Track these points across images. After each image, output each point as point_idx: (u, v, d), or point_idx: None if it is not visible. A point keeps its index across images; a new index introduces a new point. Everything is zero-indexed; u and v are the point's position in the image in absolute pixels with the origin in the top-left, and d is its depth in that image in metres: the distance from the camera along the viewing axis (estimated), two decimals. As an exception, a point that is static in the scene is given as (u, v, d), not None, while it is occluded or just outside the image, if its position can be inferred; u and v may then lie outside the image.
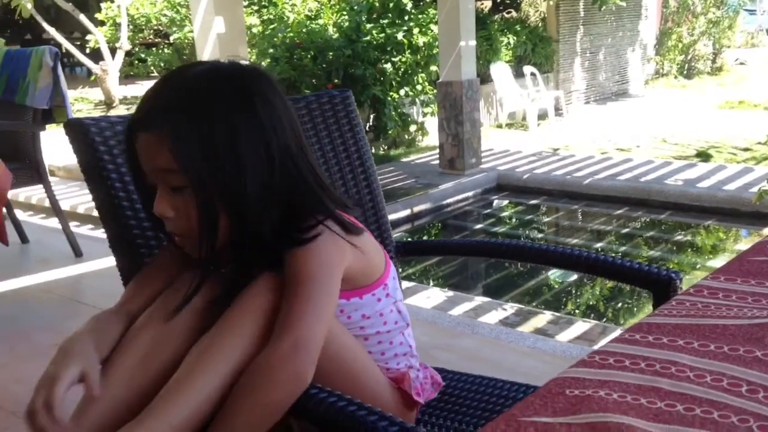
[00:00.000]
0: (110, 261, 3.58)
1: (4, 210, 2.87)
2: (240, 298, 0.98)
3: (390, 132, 7.55)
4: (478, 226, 5.69)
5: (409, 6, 7.93)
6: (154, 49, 11.02)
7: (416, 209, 5.59)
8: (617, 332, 1.15)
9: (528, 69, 9.49)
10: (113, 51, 9.58)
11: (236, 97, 0.96)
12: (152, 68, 10.80)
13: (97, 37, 9.56)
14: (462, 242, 2.29)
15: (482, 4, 10.98)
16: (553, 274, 4.57)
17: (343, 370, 1.03)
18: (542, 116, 9.37)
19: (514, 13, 10.88)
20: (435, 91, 6.98)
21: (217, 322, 0.97)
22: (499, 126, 9.32)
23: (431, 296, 3.45)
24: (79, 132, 1.16)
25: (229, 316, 0.97)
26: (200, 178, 0.94)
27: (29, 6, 8.60)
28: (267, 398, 0.89)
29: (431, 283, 4.28)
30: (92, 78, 10.39)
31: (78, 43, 10.15)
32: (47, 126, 3.53)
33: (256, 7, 9.73)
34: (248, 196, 0.96)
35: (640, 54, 12.85)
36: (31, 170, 3.45)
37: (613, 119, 9.76)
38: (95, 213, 4.39)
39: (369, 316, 1.12)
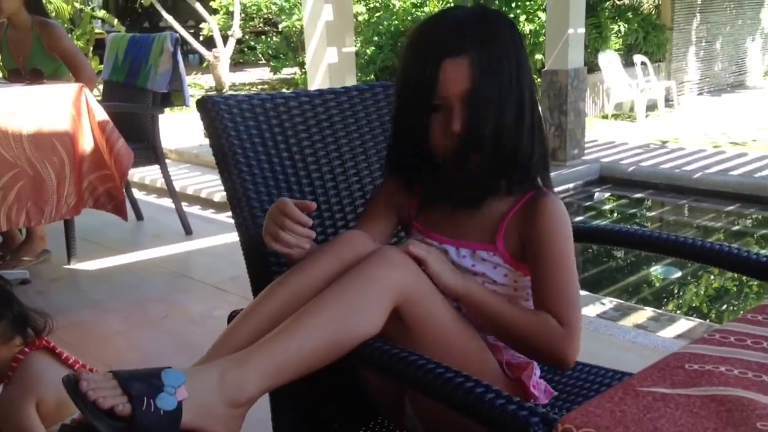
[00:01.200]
0: (217, 240, 3.76)
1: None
2: (370, 259, 1.04)
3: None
4: (578, 218, 5.56)
5: (516, -7, 7.81)
6: (263, 36, 11.35)
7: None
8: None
9: (638, 58, 9.13)
10: (225, 39, 9.94)
11: (518, 35, 1.13)
12: (260, 55, 11.12)
13: (211, 25, 9.94)
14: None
15: (592, -10, 10.64)
16: (655, 270, 4.41)
17: (448, 346, 1.05)
18: (651, 107, 9.01)
19: (626, 0, 10.49)
20: (539, 79, 6.86)
21: (344, 276, 1.02)
22: (605, 117, 9.04)
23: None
24: (210, 109, 1.22)
25: (341, 280, 1.01)
26: (492, 101, 1.08)
27: (149, -6, 9.05)
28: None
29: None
30: (204, 65, 10.83)
31: (192, 31, 10.58)
32: (162, 113, 3.72)
33: (362, -5, 9.84)
34: (520, 125, 1.10)
35: (760, 44, 12.11)
36: (149, 151, 3.65)
37: (728, 112, 9.26)
38: (203, 194, 4.60)
39: (526, 297, 1.16)
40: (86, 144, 2.82)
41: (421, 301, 1.04)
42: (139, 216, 4.10)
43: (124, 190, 2.94)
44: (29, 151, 2.63)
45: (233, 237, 3.70)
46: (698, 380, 0.53)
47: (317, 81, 5.30)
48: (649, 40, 9.70)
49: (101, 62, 4.84)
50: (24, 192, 2.62)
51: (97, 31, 9.42)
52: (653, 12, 10.24)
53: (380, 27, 8.30)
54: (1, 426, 1.46)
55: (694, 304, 3.92)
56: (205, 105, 1.23)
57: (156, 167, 3.81)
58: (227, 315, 1.15)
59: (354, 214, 1.41)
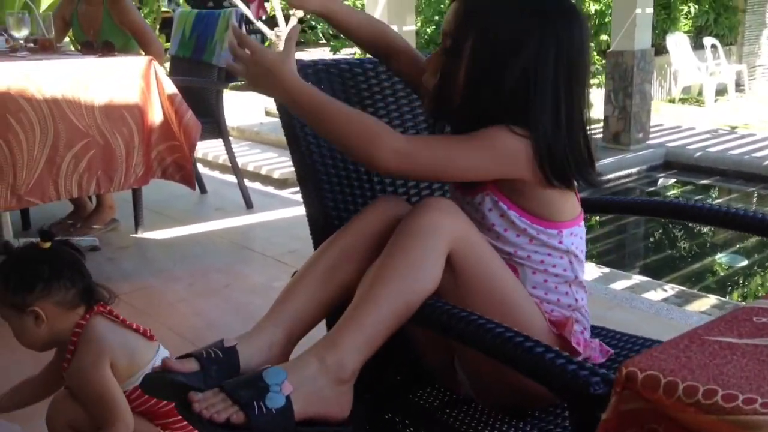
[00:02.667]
0: (277, 214, 3.82)
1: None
2: (410, 216, 1.06)
3: (552, 103, 7.34)
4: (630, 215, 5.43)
5: (582, -28, 7.64)
6: (323, 17, 11.42)
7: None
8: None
9: (708, 40, 8.83)
10: (287, 18, 10.01)
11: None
12: (321, 35, 11.19)
13: (273, 4, 10.03)
14: (640, 201, 2.14)
15: (661, -30, 10.30)
16: (720, 257, 4.30)
17: (496, 295, 1.07)
18: (721, 92, 8.71)
19: (696, -19, 10.13)
20: (603, 61, 6.71)
21: (390, 241, 1.05)
22: (672, 101, 8.79)
23: (585, 271, 3.35)
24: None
25: (399, 237, 1.04)
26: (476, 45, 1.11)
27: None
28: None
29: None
30: (266, 43, 10.95)
31: (255, 10, 10.70)
32: (226, 87, 3.79)
33: (424, -25, 9.77)
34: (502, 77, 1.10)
35: (841, 26, 11.54)
36: (214, 125, 3.72)
37: (804, 98, 8.89)
38: (263, 171, 4.69)
39: (546, 249, 1.15)
40: (155, 116, 2.90)
41: (471, 248, 1.06)
42: (202, 189, 4.20)
43: (192, 160, 3.01)
44: (100, 121, 2.72)
45: (293, 212, 3.80)
46: (767, 332, 0.53)
47: (378, 59, 5.30)
48: (720, 23, 9.37)
49: (167, 40, 4.95)
50: (95, 161, 2.72)
51: (163, 9, 9.62)
52: (726, -7, 9.87)
53: (441, 6, 8.24)
54: (78, 393, 1.49)
55: (760, 294, 3.80)
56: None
57: (219, 143, 3.89)
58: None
59: (431, 185, 1.42)
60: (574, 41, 1.12)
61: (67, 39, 4.19)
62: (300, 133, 1.27)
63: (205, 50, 3.81)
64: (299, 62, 1.27)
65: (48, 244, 1.51)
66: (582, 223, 1.20)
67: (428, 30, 8.51)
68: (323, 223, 1.26)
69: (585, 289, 1.22)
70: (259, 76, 1.11)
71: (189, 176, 3.00)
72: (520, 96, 1.09)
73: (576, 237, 1.17)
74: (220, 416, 0.90)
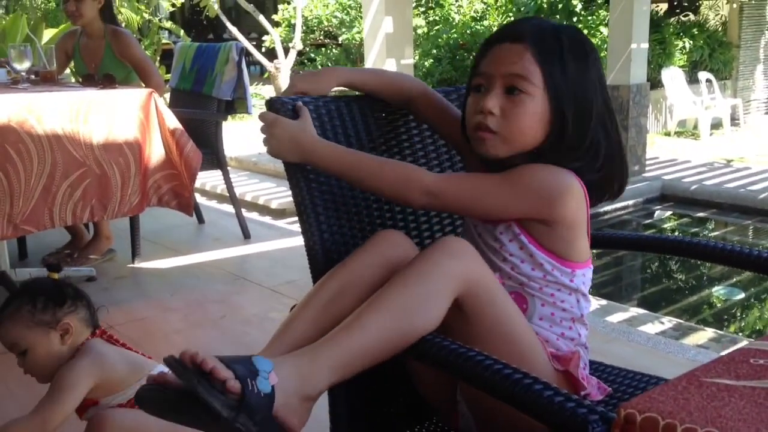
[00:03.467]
0: (275, 244, 3.83)
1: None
2: (421, 255, 1.06)
3: (549, 136, 7.39)
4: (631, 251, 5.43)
5: (579, 7, 7.74)
6: (323, 49, 11.53)
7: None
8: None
9: (703, 75, 8.94)
10: (286, 51, 10.12)
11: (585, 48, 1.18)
12: (320, 67, 11.29)
13: (273, 36, 10.15)
14: (651, 238, 2.14)
15: (657, 6, 10.46)
16: (717, 291, 4.29)
17: (506, 337, 1.06)
18: (716, 125, 8.79)
19: (692, 17, 10.27)
20: (599, 95, 6.75)
21: (394, 276, 1.04)
22: (667, 134, 8.85)
23: (585, 304, 3.34)
24: (279, 109, 1.26)
25: (404, 273, 1.04)
26: (553, 87, 1.13)
27: (216, 6, 9.29)
28: None
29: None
30: (265, 75, 11.04)
31: (254, 42, 10.81)
32: (226, 119, 3.81)
33: (423, 9, 9.90)
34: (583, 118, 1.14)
35: (834, 62, 11.69)
36: (213, 156, 3.75)
37: (798, 132, 8.96)
38: (261, 201, 4.70)
39: (557, 285, 1.17)
40: (153, 147, 2.92)
41: (482, 291, 1.05)
42: (200, 219, 4.21)
43: (193, 189, 3.02)
44: (97, 152, 2.74)
45: (290, 242, 3.80)
46: (764, 374, 0.53)
47: (376, 92, 5.35)
48: (715, 57, 9.48)
49: (168, 71, 5.00)
50: (90, 190, 2.73)
51: (164, 41, 9.72)
52: (719, 29, 10.01)
53: (439, 40, 8.33)
54: (46, 379, 1.52)
55: (758, 327, 3.79)
56: (273, 105, 1.26)
57: (217, 174, 3.91)
58: (282, 319, 1.18)
59: (429, 216, 1.43)
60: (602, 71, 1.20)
61: (68, 71, 4.24)
62: (298, 165, 1.27)
63: (205, 83, 3.85)
64: (300, 99, 1.29)
65: (56, 276, 1.58)
66: (591, 265, 1.22)
67: (426, 63, 8.60)
68: (322, 255, 1.26)
69: (587, 327, 1.23)
70: (282, 145, 1.20)
71: (187, 203, 3.01)
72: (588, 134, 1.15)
73: (586, 278, 1.20)
74: (220, 373, 0.90)
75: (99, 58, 3.49)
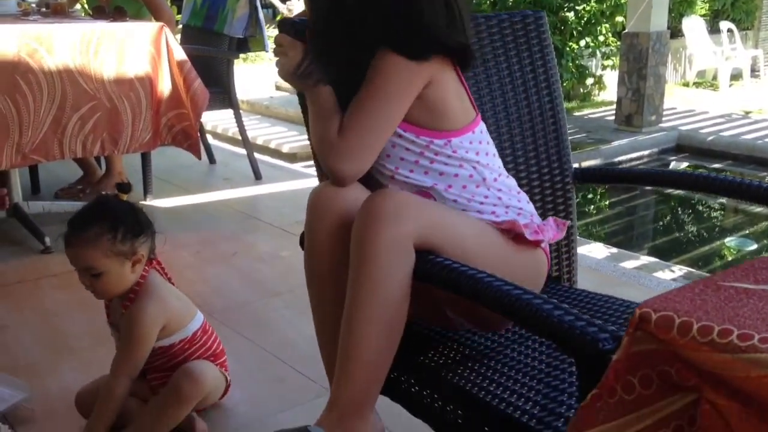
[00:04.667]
0: (285, 186, 3.82)
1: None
2: (362, 241, 1.05)
3: (565, 84, 7.29)
4: (650, 186, 5.41)
5: (599, -48, 7.53)
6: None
7: (584, 164, 5.40)
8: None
9: (725, 25, 8.73)
10: (299, -7, 9.95)
11: None
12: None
13: (285, -21, 9.96)
14: (646, 171, 2.08)
15: (679, -48, 10.15)
16: (729, 241, 4.27)
17: (480, 255, 1.10)
18: (735, 76, 8.62)
19: (715, -36, 9.99)
20: (618, 42, 6.63)
21: (349, 285, 1.07)
22: (686, 84, 8.71)
23: (593, 251, 3.34)
24: (290, 30, 1.23)
25: (356, 274, 1.06)
26: None
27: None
28: None
29: (593, 241, 4.15)
30: (277, 18, 10.88)
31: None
32: (238, 59, 3.75)
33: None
34: None
35: None
36: (224, 95, 3.71)
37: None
38: (272, 144, 4.66)
39: (443, 160, 1.20)
40: (164, 83, 2.89)
41: (433, 231, 1.06)
42: (211, 159, 4.20)
43: (198, 129, 3.00)
44: (108, 85, 2.72)
45: (301, 184, 3.79)
46: (783, 279, 0.52)
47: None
48: (738, 7, 9.25)
49: (180, 12, 4.92)
50: (100, 123, 2.72)
51: (176, -20, 9.56)
52: (744, -23, 9.74)
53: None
54: (122, 330, 1.57)
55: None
56: (284, 27, 1.24)
57: (229, 115, 3.88)
58: (292, 256, 1.19)
59: None
60: None
61: (78, 6, 4.18)
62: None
63: (217, 19, 3.78)
64: (297, 18, 1.27)
65: (126, 197, 1.60)
66: (475, 130, 1.24)
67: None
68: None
69: (500, 187, 1.25)
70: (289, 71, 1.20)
71: (195, 144, 2.99)
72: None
73: (471, 145, 1.22)
74: None
75: (110, -8, 3.43)
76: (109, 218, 1.52)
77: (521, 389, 1.07)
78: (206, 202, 3.52)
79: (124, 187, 1.61)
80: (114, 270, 1.52)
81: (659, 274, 3.01)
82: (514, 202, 1.25)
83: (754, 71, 9.03)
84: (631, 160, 5.73)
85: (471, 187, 1.21)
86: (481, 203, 1.21)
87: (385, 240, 1.02)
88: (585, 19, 7.31)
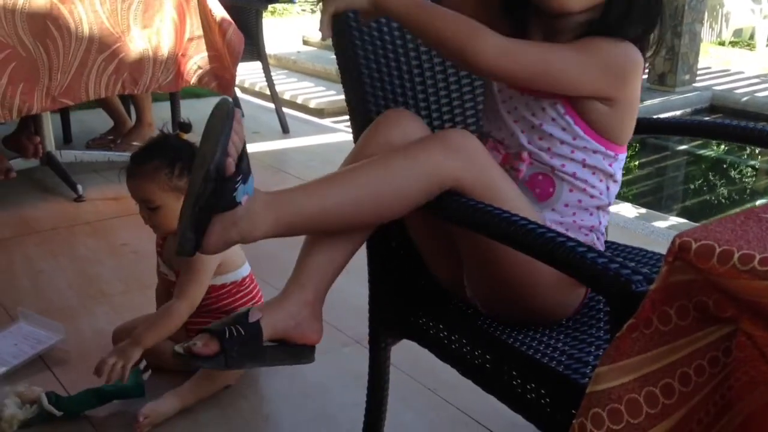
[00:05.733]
0: (313, 140, 3.82)
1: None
2: (416, 143, 1.06)
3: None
4: (682, 147, 5.32)
5: None
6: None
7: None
8: None
9: (765, -19, 8.44)
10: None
11: None
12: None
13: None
14: (685, 121, 2.05)
15: None
16: (762, 203, 4.20)
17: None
18: (774, 36, 8.37)
19: None
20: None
21: (392, 152, 1.06)
22: (722, 43, 8.47)
23: (621, 211, 3.30)
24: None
25: (392, 155, 1.06)
26: None
27: None
28: None
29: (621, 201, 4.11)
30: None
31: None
32: (266, 10, 3.72)
33: None
34: None
35: None
36: (252, 47, 3.69)
37: None
38: (299, 100, 4.65)
39: (591, 170, 1.14)
40: (193, 26, 2.91)
41: (476, 190, 1.03)
42: (240, 112, 4.20)
43: (235, 70, 3.01)
44: (133, 28, 2.74)
45: (329, 138, 3.79)
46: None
47: None
48: (780, -37, 8.91)
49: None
50: (122, 64, 2.75)
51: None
52: (788, -69, 9.37)
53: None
54: (182, 268, 1.61)
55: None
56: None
57: (257, 69, 3.86)
58: None
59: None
60: None
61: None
62: (349, 39, 1.24)
63: (245, -30, 3.75)
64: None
65: (186, 136, 1.61)
66: (626, 149, 1.18)
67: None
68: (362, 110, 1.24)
69: (608, 214, 1.21)
70: None
71: (228, 84, 3.01)
72: None
73: (622, 163, 1.17)
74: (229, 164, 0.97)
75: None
76: (168, 154, 1.56)
77: (549, 340, 1.08)
78: (234, 154, 3.53)
79: (185, 127, 1.62)
80: (170, 204, 1.55)
81: (689, 234, 2.98)
82: (599, 235, 1.19)
83: (793, 31, 8.74)
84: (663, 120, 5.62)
85: (588, 204, 1.14)
86: (581, 222, 1.15)
87: (432, 156, 1.02)
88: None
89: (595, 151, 1.11)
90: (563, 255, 0.85)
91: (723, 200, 4.37)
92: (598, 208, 1.16)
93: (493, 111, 1.19)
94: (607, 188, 1.15)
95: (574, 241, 0.86)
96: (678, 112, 5.69)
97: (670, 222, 3.22)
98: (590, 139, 1.11)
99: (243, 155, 1.00)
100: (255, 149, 3.61)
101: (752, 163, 5.07)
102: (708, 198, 4.44)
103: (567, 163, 1.12)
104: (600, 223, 1.17)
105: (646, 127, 1.44)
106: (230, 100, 1.02)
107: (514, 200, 1.06)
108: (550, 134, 1.11)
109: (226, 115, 0.98)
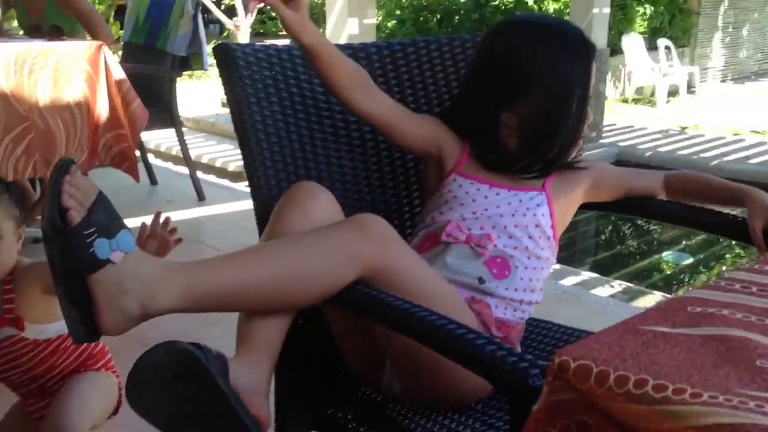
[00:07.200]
0: (230, 207, 3.76)
1: (137, 152, 3.05)
2: (345, 224, 1.05)
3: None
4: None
5: (541, -29, 7.71)
6: (283, 8, 11.25)
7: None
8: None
9: (663, 42, 9.00)
10: (246, 8, 9.89)
11: None
12: (281, 26, 11.06)
13: (232, -7, 9.90)
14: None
15: (619, -28, 10.46)
16: (666, 255, 4.39)
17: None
18: (673, 93, 8.89)
19: (653, -17, 10.31)
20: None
21: (312, 232, 1.03)
22: (625, 100, 8.94)
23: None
24: (228, 55, 1.21)
25: (308, 237, 1.03)
26: None
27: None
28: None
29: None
30: (224, 34, 10.78)
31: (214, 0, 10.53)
32: (182, 77, 3.70)
33: (385, -31, 9.76)
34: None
35: (788, 32, 11.90)
36: (165, 114, 3.64)
37: (751, 100, 9.12)
38: (218, 163, 4.57)
39: (546, 260, 1.26)
40: (102, 102, 2.83)
41: (392, 276, 1.01)
42: (153, 180, 4.11)
43: (137, 150, 2.93)
44: (42, 106, 2.64)
45: (246, 204, 3.71)
46: (700, 321, 0.53)
47: (336, 52, 5.26)
48: (675, 24, 9.55)
49: (122, 28, 4.83)
50: (34, 145, 2.64)
51: (119, -5, 9.40)
52: (680, -5, 10.09)
53: (403, 0, 8.23)
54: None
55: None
56: (222, 52, 1.21)
57: (172, 133, 3.81)
58: None
59: (383, 182, 1.40)
60: None
61: (15, 23, 4.06)
62: (245, 104, 1.23)
63: (159, 37, 3.73)
64: (251, 46, 1.25)
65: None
66: None
67: (389, 24, 8.49)
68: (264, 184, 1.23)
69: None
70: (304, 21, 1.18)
71: (133, 167, 2.93)
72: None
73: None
74: (68, 201, 0.90)
75: (41, 9, 3.33)
76: (2, 182, 1.42)
77: (457, 426, 1.06)
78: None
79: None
80: (9, 236, 1.35)
81: (600, 291, 3.06)
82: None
83: (690, 87, 9.33)
84: (575, 175, 5.84)
85: (533, 287, 1.21)
86: (528, 303, 1.21)
87: (349, 240, 0.99)
88: (528, 37, 7.44)
89: (551, 244, 1.23)
90: (462, 348, 0.84)
91: (633, 251, 4.53)
92: (540, 288, 1.24)
93: (463, 204, 1.22)
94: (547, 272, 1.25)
95: (474, 333, 0.86)
96: (588, 168, 5.93)
97: (582, 277, 3.30)
98: (554, 239, 1.23)
99: (97, 208, 0.91)
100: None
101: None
102: (620, 249, 4.60)
103: (529, 255, 1.20)
104: (537, 302, 1.24)
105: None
106: (69, 159, 0.94)
107: (433, 287, 1.06)
108: (521, 236, 1.20)
109: (58, 170, 0.91)
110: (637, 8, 8.87)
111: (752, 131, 7.02)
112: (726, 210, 1.29)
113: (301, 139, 1.29)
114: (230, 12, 10.32)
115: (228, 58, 1.21)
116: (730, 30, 10.67)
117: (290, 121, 1.28)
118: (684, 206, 1.33)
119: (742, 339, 0.48)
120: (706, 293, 0.56)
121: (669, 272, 4.16)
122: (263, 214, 1.22)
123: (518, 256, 1.18)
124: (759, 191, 1.23)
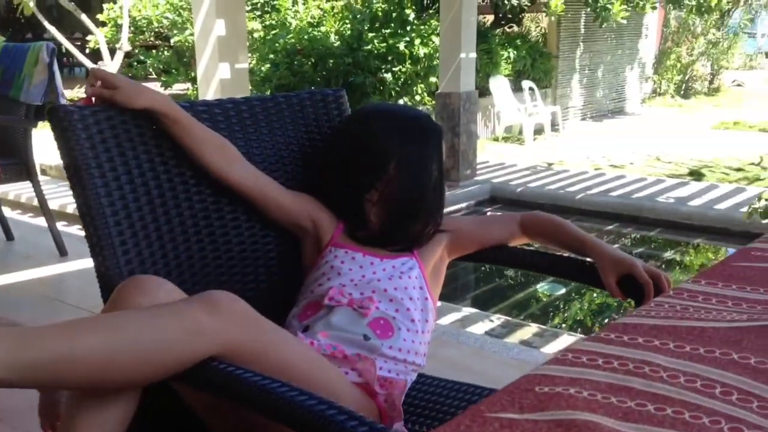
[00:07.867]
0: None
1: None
2: (193, 300, 0.98)
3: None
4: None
5: (412, 17, 7.94)
6: (154, 51, 10.97)
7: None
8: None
9: (526, 84, 9.50)
10: (113, 52, 9.56)
11: None
12: (151, 70, 10.76)
13: (98, 37, 9.54)
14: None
15: (484, 17, 10.98)
16: (541, 287, 4.55)
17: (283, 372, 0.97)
18: (538, 131, 9.38)
19: (515, 28, 10.90)
20: (433, 101, 6.98)
21: (157, 307, 0.96)
22: (496, 139, 9.33)
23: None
24: (63, 118, 1.13)
25: (152, 313, 0.95)
26: None
27: (31, 4, 8.58)
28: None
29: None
30: (90, 78, 10.36)
31: (78, 43, 10.12)
32: (41, 124, 3.50)
33: (258, 13, 9.74)
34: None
35: (638, 72, 12.89)
36: (21, 166, 3.42)
37: (609, 136, 9.77)
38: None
39: (424, 323, 1.31)
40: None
41: (245, 348, 0.96)
42: (8, 236, 3.83)
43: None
44: None
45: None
46: (547, 404, 0.52)
47: (209, 97, 5.17)
48: (537, 67, 10.11)
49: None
50: None
51: (-29, 39, 8.82)
52: (540, 40, 10.70)
53: (276, 44, 8.23)
54: None
55: (578, 318, 4.06)
56: (56, 114, 1.13)
57: (29, 184, 3.58)
58: None
59: (229, 237, 1.35)
60: None
61: None
62: (83, 168, 1.15)
63: (12, 86, 3.50)
64: (88, 108, 1.18)
65: None
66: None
67: (263, 68, 8.45)
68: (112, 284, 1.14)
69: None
70: (137, 88, 1.19)
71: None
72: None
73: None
74: None
75: None
76: None
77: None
78: (2, 285, 3.19)
79: None
80: None
81: (479, 326, 3.11)
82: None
83: (554, 126, 9.87)
84: (451, 212, 5.98)
85: (416, 349, 1.24)
86: (411, 363, 1.23)
87: (197, 319, 0.92)
88: (402, 79, 7.64)
89: (430, 306, 1.30)
90: (319, 424, 0.80)
91: (512, 283, 4.66)
92: (425, 349, 1.27)
93: (341, 273, 1.26)
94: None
95: (336, 408, 0.82)
96: (463, 205, 6.10)
97: (463, 313, 3.35)
98: (431, 300, 1.29)
99: None
100: (27, 276, 3.28)
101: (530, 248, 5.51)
102: (499, 282, 4.72)
103: (412, 318, 1.23)
104: (425, 361, 1.27)
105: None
106: None
107: (297, 356, 1.02)
108: (401, 298, 1.24)
109: None
110: (502, 52, 9.33)
111: (611, 165, 7.49)
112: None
113: (153, 211, 1.23)
114: (96, 56, 9.95)
115: (64, 122, 1.13)
116: (586, 72, 11.43)
117: (139, 190, 1.21)
118: (538, 253, 1.38)
119: (587, 423, 0.48)
120: (554, 369, 0.56)
121: (545, 302, 4.31)
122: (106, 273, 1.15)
123: (400, 318, 1.22)
124: (604, 245, 1.32)
